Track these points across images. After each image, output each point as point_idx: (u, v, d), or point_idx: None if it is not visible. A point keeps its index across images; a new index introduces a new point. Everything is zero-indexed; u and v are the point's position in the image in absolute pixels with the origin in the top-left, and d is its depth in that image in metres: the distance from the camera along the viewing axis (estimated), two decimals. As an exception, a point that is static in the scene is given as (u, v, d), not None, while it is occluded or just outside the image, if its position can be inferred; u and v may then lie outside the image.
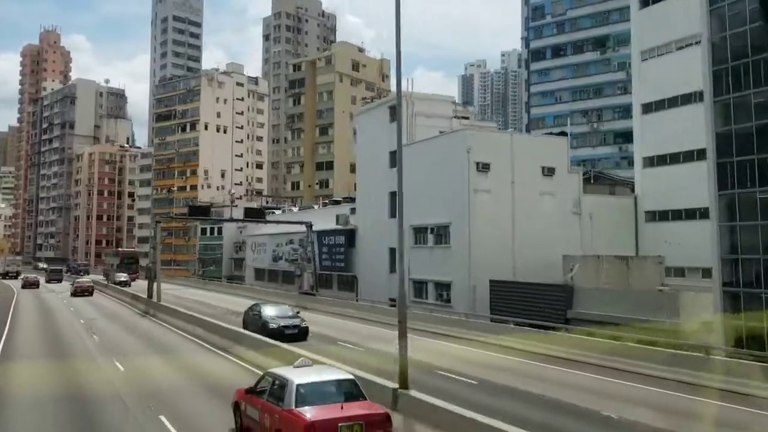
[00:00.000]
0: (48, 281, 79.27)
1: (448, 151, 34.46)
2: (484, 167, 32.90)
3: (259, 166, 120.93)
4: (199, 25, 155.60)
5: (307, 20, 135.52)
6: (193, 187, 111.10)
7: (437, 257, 35.17)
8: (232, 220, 48.77)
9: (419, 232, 36.92)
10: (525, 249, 33.49)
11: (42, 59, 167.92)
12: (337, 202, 55.29)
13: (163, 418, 14.07)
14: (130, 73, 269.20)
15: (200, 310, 36.04)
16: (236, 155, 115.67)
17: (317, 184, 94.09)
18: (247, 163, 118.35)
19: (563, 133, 39.45)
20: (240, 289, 56.98)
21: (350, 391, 11.61)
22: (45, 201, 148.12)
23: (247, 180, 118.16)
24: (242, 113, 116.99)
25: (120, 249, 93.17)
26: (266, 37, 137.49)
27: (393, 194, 39.32)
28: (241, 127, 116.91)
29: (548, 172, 34.57)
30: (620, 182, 40.28)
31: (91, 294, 57.42)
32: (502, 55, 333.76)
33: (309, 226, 41.93)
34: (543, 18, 75.78)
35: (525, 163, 33.86)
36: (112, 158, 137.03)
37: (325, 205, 59.51)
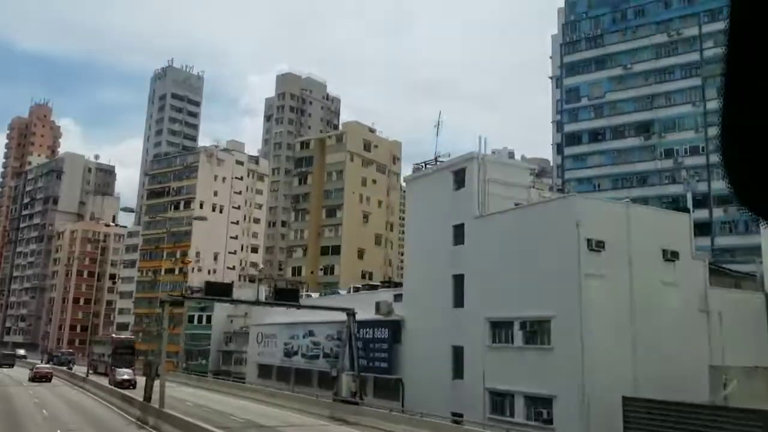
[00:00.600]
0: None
1: (547, 224, 27.04)
2: (597, 245, 25.41)
3: (255, 249, 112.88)
4: (198, 104, 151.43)
5: (311, 102, 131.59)
6: (182, 270, 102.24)
7: (530, 361, 26.94)
8: (259, 302, 37.64)
9: (499, 327, 28.85)
10: (647, 354, 25.63)
11: (30, 132, 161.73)
12: (373, 287, 47.01)
13: None
14: (118, 157, 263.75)
15: (217, 423, 27.31)
16: (231, 237, 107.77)
17: (321, 270, 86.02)
18: (242, 246, 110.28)
19: (680, 209, 32.47)
20: (245, 390, 47.59)
21: None
22: (18, 281, 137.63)
23: (240, 264, 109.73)
24: (240, 193, 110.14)
25: (112, 335, 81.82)
26: (267, 118, 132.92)
27: (458, 278, 31.68)
28: (238, 208, 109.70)
29: (671, 256, 27.18)
30: (738, 275, 33.05)
31: (49, 381, 58.74)
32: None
33: (351, 314, 33.56)
34: (578, 101, 70.93)
35: (644, 243, 26.51)
36: (96, 237, 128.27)
37: (356, 290, 50.88)
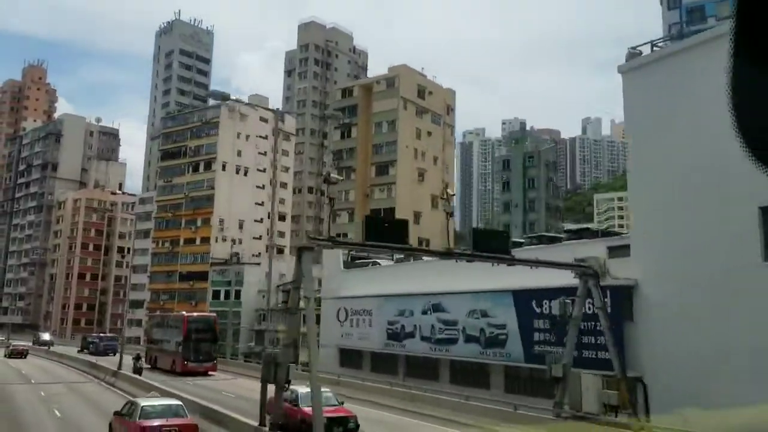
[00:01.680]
0: None
1: None
2: None
3: (282, 217, 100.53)
4: (207, 61, 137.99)
5: (337, 55, 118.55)
6: (205, 240, 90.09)
7: None
8: (451, 253, 19.99)
9: None
10: None
11: (23, 96, 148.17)
12: (554, 239, 33.12)
13: None
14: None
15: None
16: (256, 203, 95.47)
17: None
18: (269, 214, 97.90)
19: None
20: (339, 386, 34.42)
21: (177, 411, 18.40)
22: (15, 256, 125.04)
23: (267, 233, 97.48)
24: (265, 154, 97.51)
25: (182, 312, 53.26)
26: (289, 73, 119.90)
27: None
28: (264, 170, 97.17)
29: None
30: None
31: (24, 357, 60.59)
32: (503, 123, 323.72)
33: (592, 273, 21.24)
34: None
35: None
36: (102, 205, 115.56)
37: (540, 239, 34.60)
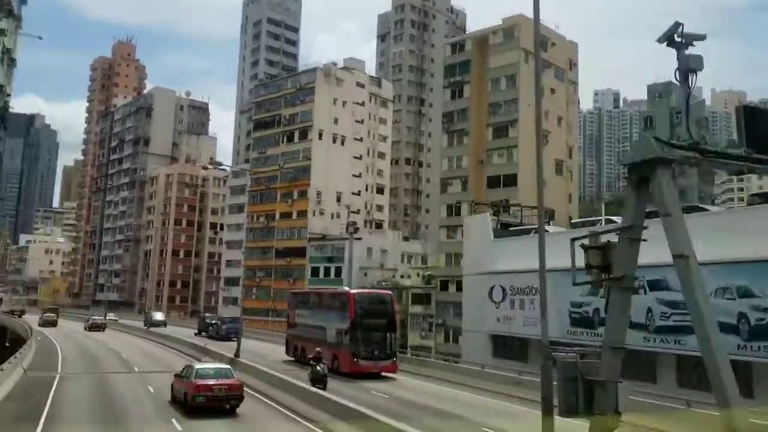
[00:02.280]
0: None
1: None
2: None
3: (380, 190, 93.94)
4: (296, 30, 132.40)
5: (434, 16, 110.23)
6: (302, 214, 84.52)
7: None
8: None
9: None
10: None
11: (113, 73, 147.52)
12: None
13: None
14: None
15: None
16: (354, 175, 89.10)
17: (491, 206, 65.91)
18: (367, 187, 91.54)
19: None
20: None
21: (225, 373, 21.53)
22: (110, 233, 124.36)
23: (366, 208, 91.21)
24: (362, 122, 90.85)
25: (345, 288, 40.44)
26: (382, 38, 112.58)
27: None
28: (361, 140, 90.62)
29: None
30: None
31: (102, 330, 65.01)
32: (595, 95, 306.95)
33: None
34: None
35: None
36: (193, 180, 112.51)
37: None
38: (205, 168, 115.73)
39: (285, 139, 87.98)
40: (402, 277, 78.63)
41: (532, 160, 65.76)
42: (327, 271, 79.70)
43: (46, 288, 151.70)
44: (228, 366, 23.32)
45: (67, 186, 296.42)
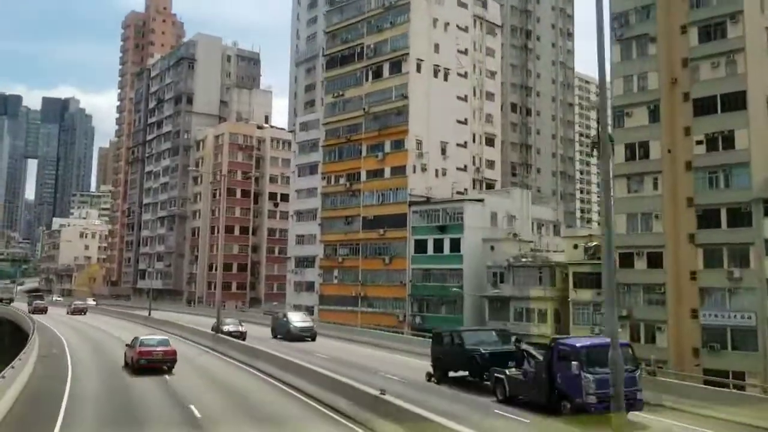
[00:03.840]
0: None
1: None
2: None
3: (490, 141, 73.13)
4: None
5: None
6: (398, 171, 64.27)
7: None
8: None
9: None
10: None
11: (148, 29, 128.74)
12: None
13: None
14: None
15: None
16: (458, 121, 68.52)
17: (701, 141, 44.65)
18: (474, 137, 70.83)
19: None
20: None
21: (164, 342, 28.51)
22: (150, 209, 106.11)
23: (474, 164, 70.56)
24: (465, 52, 69.95)
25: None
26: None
27: None
28: (465, 75, 69.85)
29: None
30: None
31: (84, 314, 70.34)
32: None
33: None
34: None
35: None
36: (248, 142, 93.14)
37: None
38: (260, 127, 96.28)
39: (370, 75, 67.65)
40: (547, 251, 58.19)
41: (758, 72, 44.49)
42: (438, 245, 59.50)
43: (82, 276, 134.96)
44: (167, 337, 30.78)
45: (103, 169, 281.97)
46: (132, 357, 27.54)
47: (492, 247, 57.76)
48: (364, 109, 67.03)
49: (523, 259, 55.26)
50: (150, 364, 26.69)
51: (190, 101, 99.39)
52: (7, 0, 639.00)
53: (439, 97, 65.84)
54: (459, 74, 69.16)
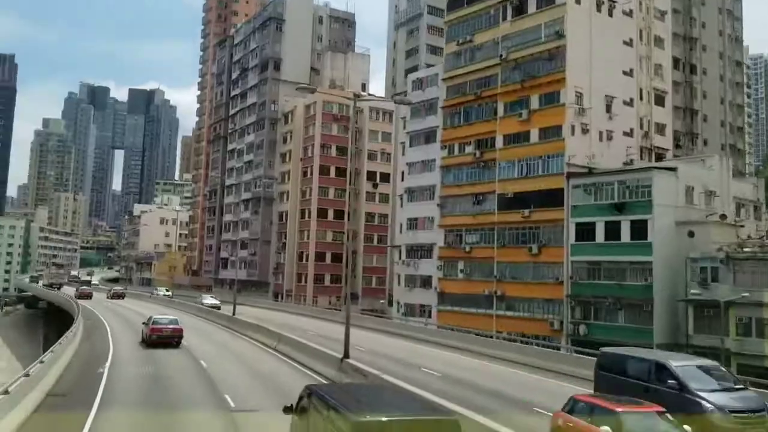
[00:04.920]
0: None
1: None
2: None
3: (659, 100, 56.62)
4: None
5: None
6: (549, 133, 49.05)
7: None
8: None
9: None
10: None
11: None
12: None
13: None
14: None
15: None
16: (623, 72, 52.55)
17: None
18: (641, 93, 54.56)
19: None
20: None
21: (173, 321, 32.76)
22: (233, 191, 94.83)
23: (641, 127, 54.30)
24: (628, -14, 53.78)
25: None
26: None
27: None
28: (629, 13, 53.72)
29: None
30: None
31: (122, 298, 74.54)
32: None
33: None
34: None
35: None
36: (344, 112, 79.87)
37: None
38: (357, 96, 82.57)
39: (509, 11, 52.67)
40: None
41: None
42: (612, 229, 43.95)
43: (162, 264, 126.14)
44: (176, 317, 34.57)
45: (186, 159, 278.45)
46: (146, 333, 31.80)
47: (691, 233, 41.84)
48: (500, 56, 52.11)
49: (746, 249, 39.06)
50: (160, 339, 30.82)
51: (277, 68, 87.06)
52: (105, 1, 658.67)
53: (602, 38, 50.28)
54: (624, 13, 53.24)
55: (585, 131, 48.84)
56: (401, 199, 63.93)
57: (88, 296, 71.48)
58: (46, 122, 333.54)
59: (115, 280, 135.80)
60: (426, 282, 57.33)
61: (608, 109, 50.61)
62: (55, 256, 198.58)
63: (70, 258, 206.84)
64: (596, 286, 44.44)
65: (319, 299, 75.27)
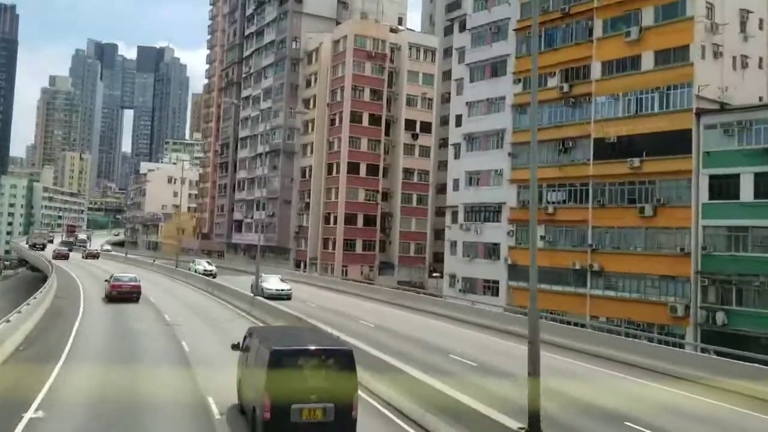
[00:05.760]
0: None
1: None
2: None
3: (793, 21, 43.93)
4: None
5: None
6: (670, 57, 36.90)
7: None
8: None
9: None
10: None
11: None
12: None
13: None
14: None
15: None
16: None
17: None
18: (773, 10, 41.95)
19: None
20: None
21: (133, 278, 34.98)
22: (248, 144, 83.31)
23: (774, 53, 41.89)
24: None
25: None
26: None
27: None
28: None
29: None
30: None
31: (96, 258, 76.30)
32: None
33: None
34: None
35: None
36: (378, 49, 67.68)
37: None
38: (393, 30, 70.57)
39: None
40: None
41: None
42: (765, 184, 32.12)
43: (169, 227, 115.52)
44: (135, 275, 36.00)
45: (196, 117, 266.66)
46: (107, 289, 34.00)
47: None
48: (599, -45, 39.77)
49: None
50: (120, 295, 32.80)
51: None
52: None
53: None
54: None
55: (717, 56, 36.75)
56: (455, 149, 52.11)
57: (65, 257, 72.11)
58: (52, 80, 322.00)
59: (120, 244, 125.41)
60: (491, 251, 45.89)
61: (742, 27, 38.41)
62: (60, 217, 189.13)
63: (75, 219, 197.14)
64: (740, 260, 32.91)
65: (350, 269, 64.27)
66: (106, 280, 35.18)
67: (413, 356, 20.52)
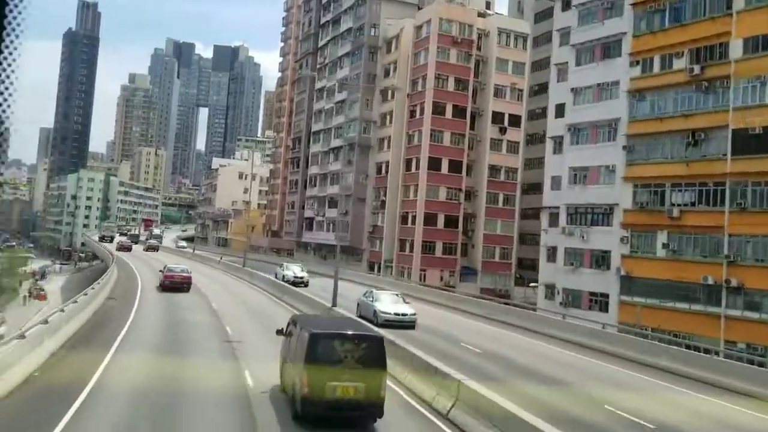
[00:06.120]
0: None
1: None
2: None
3: None
4: None
5: None
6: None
7: None
8: None
9: None
10: None
11: None
12: None
13: None
14: None
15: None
16: None
17: None
18: None
19: None
20: None
21: (185, 270, 37.81)
22: (321, 138, 79.39)
23: None
24: None
25: None
26: None
27: None
28: None
29: None
30: None
31: (156, 250, 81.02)
32: None
33: None
34: None
35: None
36: (465, 34, 62.30)
37: None
38: (481, 14, 65.02)
39: None
40: None
41: None
42: None
43: (239, 223, 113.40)
44: (187, 267, 39.42)
45: (268, 115, 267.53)
46: (161, 279, 37.03)
47: None
48: None
49: None
50: (173, 285, 35.48)
51: (379, -16, 70.04)
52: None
53: None
54: None
55: None
56: (554, 142, 46.21)
57: (128, 249, 75.27)
58: (132, 77, 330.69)
59: (190, 239, 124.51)
60: (600, 260, 39.82)
61: None
62: (135, 211, 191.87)
63: (150, 214, 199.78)
64: None
65: (428, 273, 59.17)
66: (160, 270, 38.64)
67: (555, 405, 15.09)
